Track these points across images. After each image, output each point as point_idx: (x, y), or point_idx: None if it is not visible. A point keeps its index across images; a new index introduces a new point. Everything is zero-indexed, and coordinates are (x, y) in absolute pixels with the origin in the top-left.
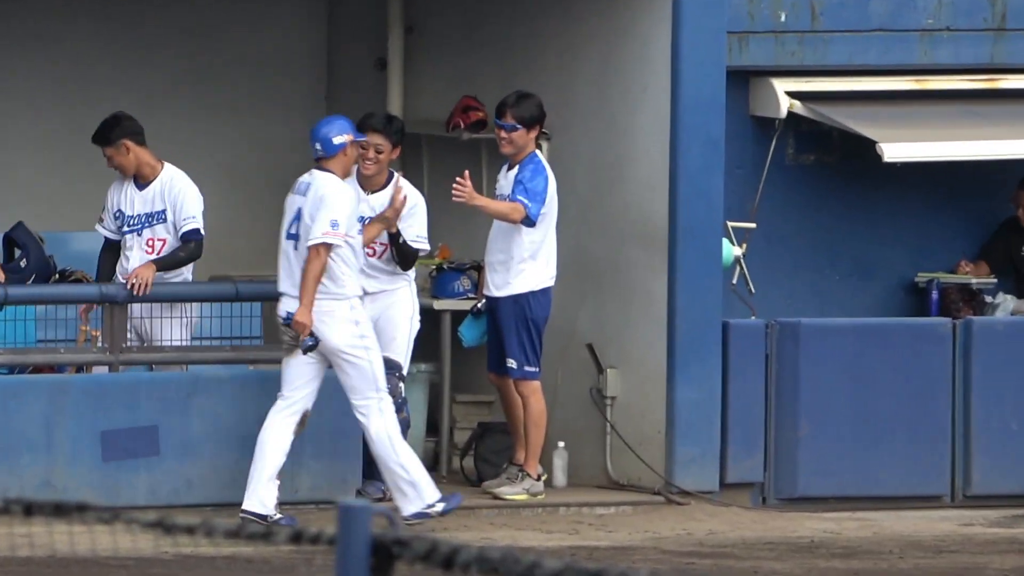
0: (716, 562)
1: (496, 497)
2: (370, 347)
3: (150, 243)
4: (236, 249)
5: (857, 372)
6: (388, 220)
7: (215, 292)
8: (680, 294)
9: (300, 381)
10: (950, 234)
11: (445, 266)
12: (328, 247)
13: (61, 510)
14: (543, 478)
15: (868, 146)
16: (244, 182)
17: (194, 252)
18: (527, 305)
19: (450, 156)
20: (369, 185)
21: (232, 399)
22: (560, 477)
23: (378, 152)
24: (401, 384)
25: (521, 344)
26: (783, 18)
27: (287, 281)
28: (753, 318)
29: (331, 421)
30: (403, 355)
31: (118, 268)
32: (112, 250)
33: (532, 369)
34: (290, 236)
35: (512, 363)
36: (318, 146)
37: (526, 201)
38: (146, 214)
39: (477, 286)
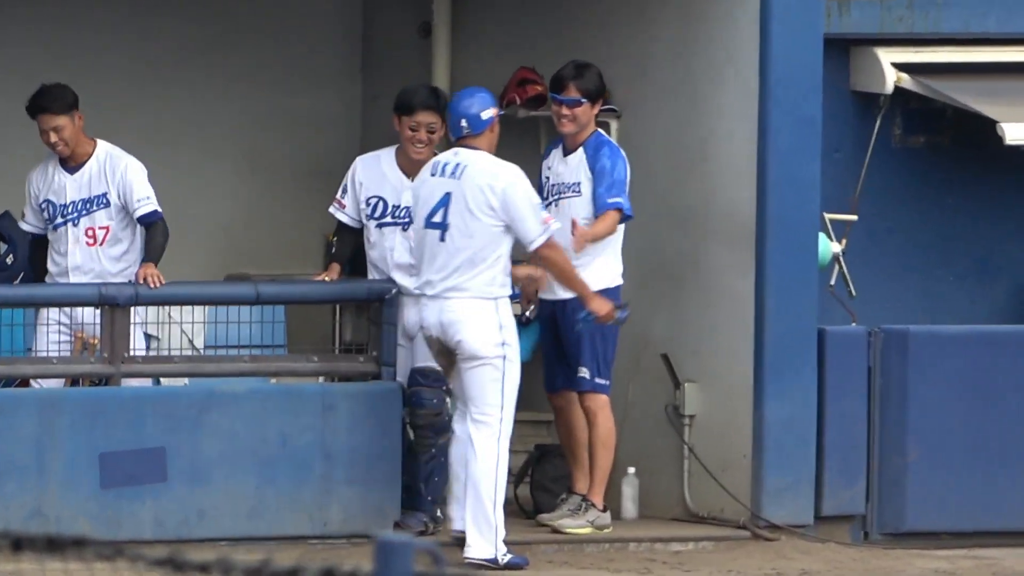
0: None
1: (556, 531)
2: (509, 356)
3: (90, 233)
4: (256, 244)
5: (974, 387)
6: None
7: (232, 294)
8: (770, 297)
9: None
10: None
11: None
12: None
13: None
14: (607, 510)
15: (987, 126)
16: (265, 166)
17: (166, 237)
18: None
19: (504, 136)
20: (412, 170)
21: (251, 417)
22: (630, 508)
23: (430, 132)
24: (448, 400)
25: (594, 351)
26: None
27: (423, 277)
28: (854, 325)
29: (366, 443)
30: None
31: (52, 267)
32: (41, 247)
33: (604, 381)
34: (433, 225)
35: (585, 372)
36: (464, 123)
37: (620, 200)
38: (83, 200)
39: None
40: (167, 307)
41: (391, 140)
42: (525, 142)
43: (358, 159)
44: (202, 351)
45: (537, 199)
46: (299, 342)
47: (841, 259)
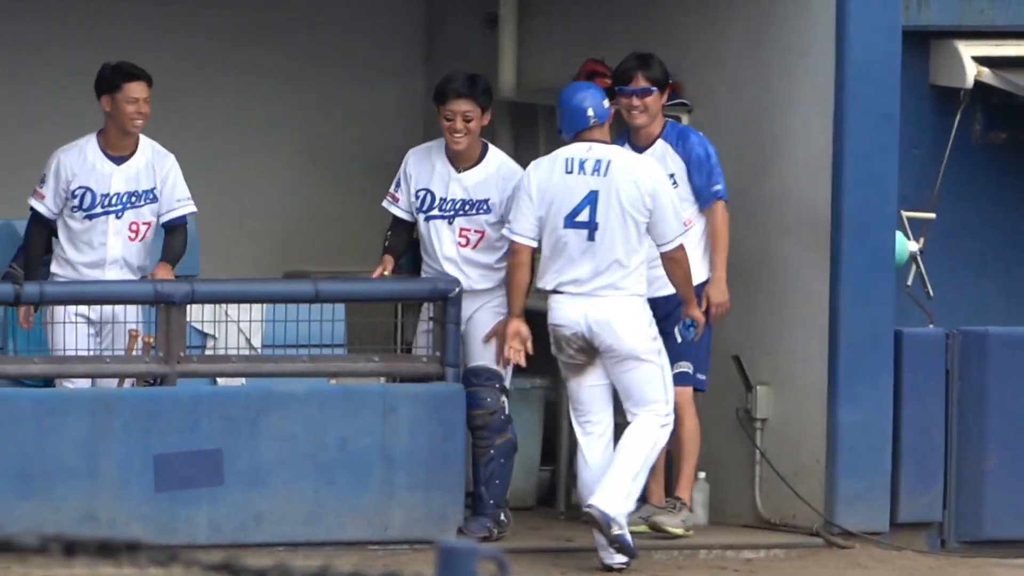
0: None
1: (657, 528)
2: (662, 350)
3: (133, 227)
4: (315, 240)
5: None
6: None
7: (290, 291)
8: (845, 297)
9: (603, 401)
10: None
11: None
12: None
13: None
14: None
15: None
16: (325, 161)
17: (187, 242)
18: (698, 299)
19: None
20: (459, 161)
21: (309, 418)
22: (700, 514)
23: (467, 120)
24: (503, 399)
25: (696, 345)
26: None
27: (565, 276)
28: (931, 326)
29: (428, 446)
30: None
31: (75, 256)
32: (46, 232)
33: (703, 377)
34: (578, 224)
35: (687, 367)
36: (591, 112)
37: (720, 188)
38: (129, 193)
39: None
40: (224, 305)
41: None
42: None
43: (410, 151)
44: (260, 350)
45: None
46: (359, 342)
47: (919, 258)
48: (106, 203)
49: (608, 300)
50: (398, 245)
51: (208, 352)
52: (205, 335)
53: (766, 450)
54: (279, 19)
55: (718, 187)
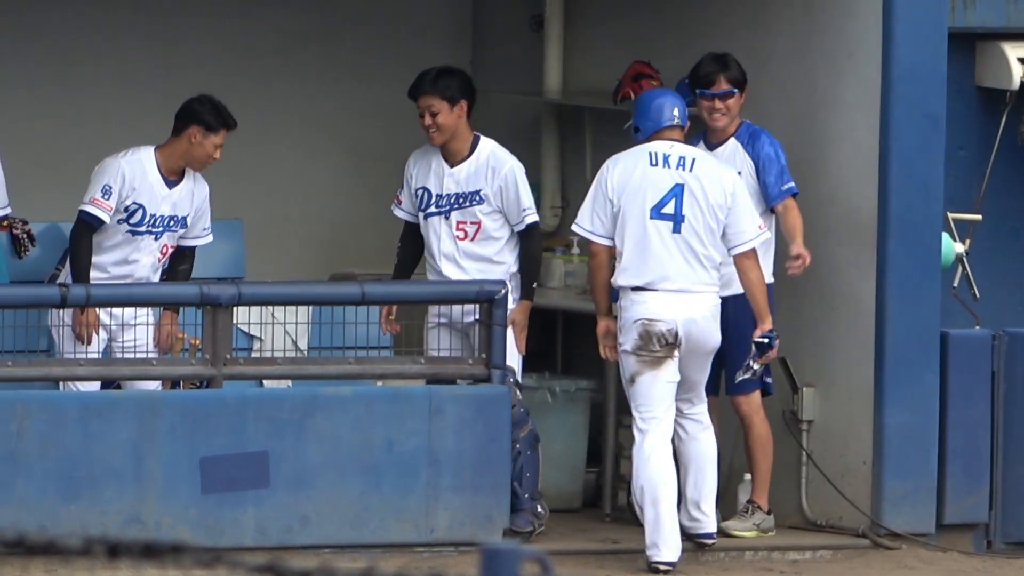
0: None
1: (724, 533)
2: None
3: (164, 250)
4: (360, 242)
5: None
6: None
7: (337, 294)
8: (891, 299)
9: (671, 398)
10: None
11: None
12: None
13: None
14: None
15: None
16: (370, 163)
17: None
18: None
19: (618, 132)
20: (450, 157)
21: (355, 421)
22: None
23: (433, 115)
24: (519, 392)
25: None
26: None
27: (654, 271)
28: (978, 328)
29: (474, 448)
30: (512, 357)
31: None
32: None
33: (770, 379)
34: (664, 216)
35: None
36: (675, 112)
37: (792, 184)
38: (171, 216)
39: None
40: (270, 307)
41: (500, 134)
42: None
43: (413, 153)
44: (306, 353)
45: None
46: (406, 343)
47: (965, 260)
48: (152, 223)
49: (701, 297)
50: (407, 256)
51: (254, 354)
52: (251, 337)
53: (812, 452)
54: (328, 23)
55: (790, 184)
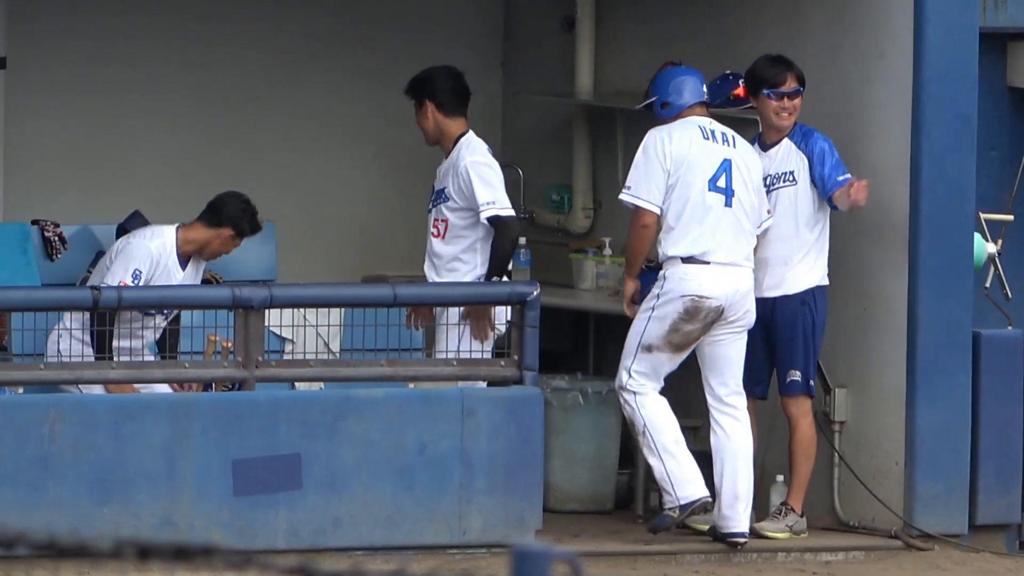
0: None
1: (757, 534)
2: None
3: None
4: (391, 244)
5: None
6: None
7: (369, 296)
8: (923, 299)
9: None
10: None
11: (643, 266)
12: None
13: (183, 554)
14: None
15: None
16: (403, 164)
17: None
18: (814, 304)
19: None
20: (443, 157)
21: (388, 423)
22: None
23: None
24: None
25: (807, 353)
26: None
27: (710, 242)
28: (1010, 328)
29: (506, 450)
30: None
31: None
32: None
33: (813, 383)
34: (719, 189)
35: (797, 375)
36: (705, 89)
37: (848, 176)
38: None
39: None
40: (302, 309)
41: (532, 136)
42: None
43: None
44: (338, 355)
45: None
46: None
47: (997, 260)
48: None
49: (745, 271)
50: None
51: (287, 356)
52: (283, 340)
53: (844, 452)
54: (360, 26)
55: (847, 175)
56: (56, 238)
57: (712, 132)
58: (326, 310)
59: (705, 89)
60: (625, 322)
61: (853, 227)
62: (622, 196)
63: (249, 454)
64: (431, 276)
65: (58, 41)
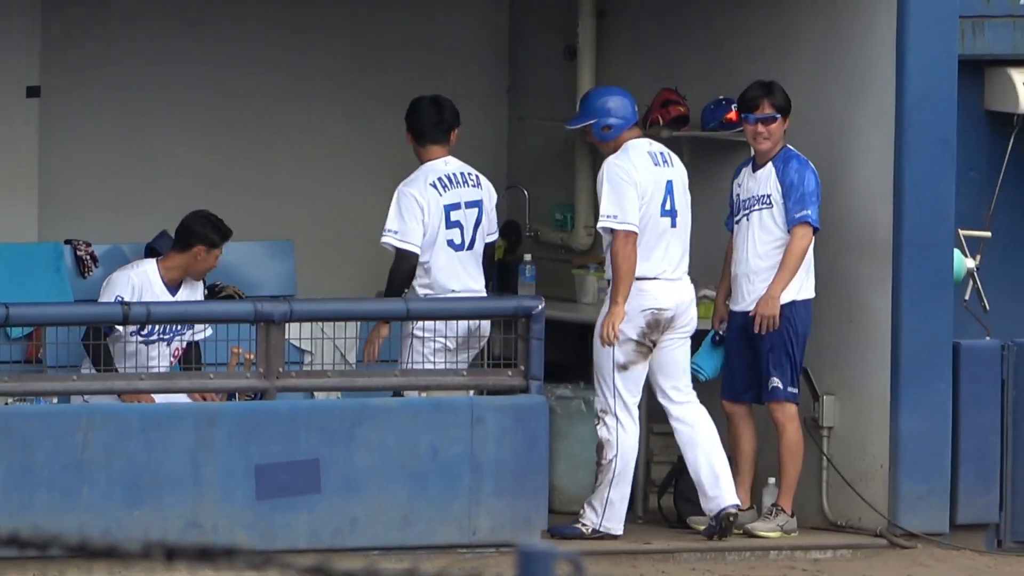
0: None
1: (750, 534)
2: None
3: (176, 352)
4: None
5: None
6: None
7: (383, 310)
8: (906, 312)
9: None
10: None
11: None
12: None
13: (208, 555)
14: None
15: None
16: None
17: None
18: (794, 317)
19: None
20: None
21: (402, 430)
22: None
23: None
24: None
25: (789, 361)
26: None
27: (664, 263)
28: (988, 339)
29: (513, 455)
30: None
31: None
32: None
33: (795, 390)
34: (667, 212)
35: (777, 382)
36: (635, 110)
37: (807, 213)
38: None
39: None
40: (320, 323)
41: (536, 158)
42: None
43: None
44: (354, 366)
45: None
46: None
47: (975, 274)
48: (162, 331)
49: (688, 283)
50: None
51: (306, 368)
52: (303, 351)
53: (832, 456)
54: (375, 53)
55: (803, 212)
56: (88, 256)
57: (657, 155)
58: (343, 323)
59: (635, 108)
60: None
61: (840, 244)
62: (608, 224)
63: (270, 460)
64: None
65: (88, 70)
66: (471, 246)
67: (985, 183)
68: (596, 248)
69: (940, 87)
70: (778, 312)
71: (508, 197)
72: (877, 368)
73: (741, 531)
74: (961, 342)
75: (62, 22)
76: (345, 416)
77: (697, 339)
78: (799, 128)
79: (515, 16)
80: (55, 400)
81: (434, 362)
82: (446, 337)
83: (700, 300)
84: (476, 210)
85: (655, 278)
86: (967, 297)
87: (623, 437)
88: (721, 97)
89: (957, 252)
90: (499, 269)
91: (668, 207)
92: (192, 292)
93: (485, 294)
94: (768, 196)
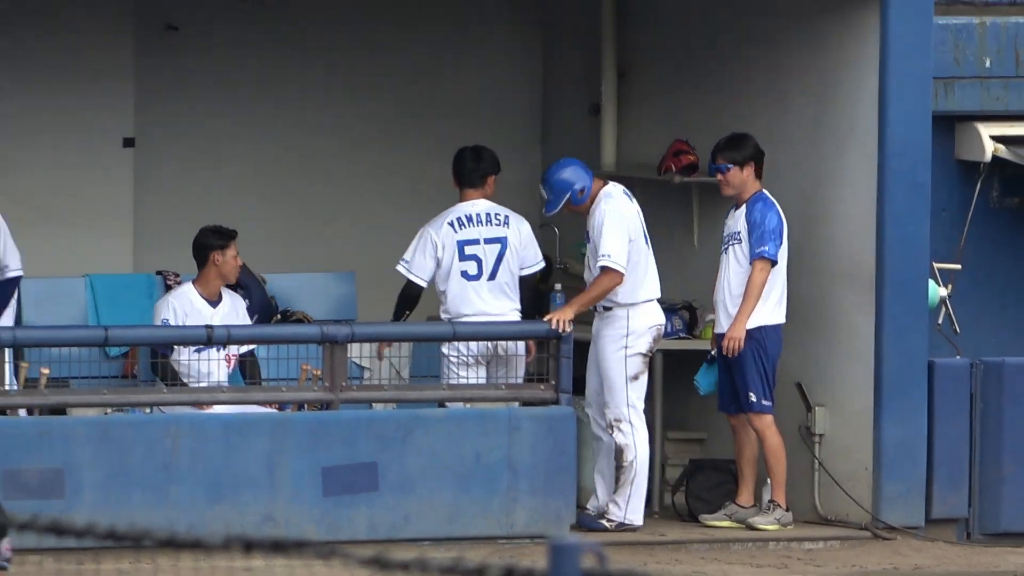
0: None
1: (751, 527)
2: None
3: (228, 359)
4: None
5: None
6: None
7: (432, 332)
8: (887, 334)
9: None
10: None
11: None
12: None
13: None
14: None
15: None
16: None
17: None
18: (763, 339)
19: (662, 199)
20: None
21: (448, 436)
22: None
23: None
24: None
25: (758, 377)
26: (988, 64)
27: (657, 286)
28: (958, 358)
29: (546, 459)
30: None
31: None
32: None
33: (768, 403)
34: (645, 239)
35: (752, 396)
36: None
37: (766, 249)
38: None
39: (689, 326)
40: (378, 343)
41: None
42: (681, 204)
43: None
44: (408, 380)
45: None
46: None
47: (947, 301)
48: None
49: None
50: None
51: (365, 382)
52: (362, 368)
53: (823, 460)
54: (427, 106)
55: (760, 248)
56: (176, 285)
57: (627, 192)
58: (398, 344)
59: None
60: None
61: (829, 274)
62: (608, 264)
63: (335, 462)
64: None
65: (177, 123)
66: (492, 276)
67: (956, 222)
68: None
69: (916, 139)
70: (742, 336)
71: (542, 234)
72: (862, 383)
73: (744, 525)
74: (935, 360)
75: (154, 81)
76: (399, 424)
77: (699, 358)
78: (793, 172)
79: (547, 75)
80: (148, 410)
81: (467, 377)
82: (467, 355)
83: (705, 323)
84: (498, 246)
85: (653, 299)
86: (940, 321)
87: (639, 439)
88: None
89: (931, 282)
90: (534, 296)
91: (646, 236)
92: (232, 300)
93: (512, 318)
94: (739, 233)
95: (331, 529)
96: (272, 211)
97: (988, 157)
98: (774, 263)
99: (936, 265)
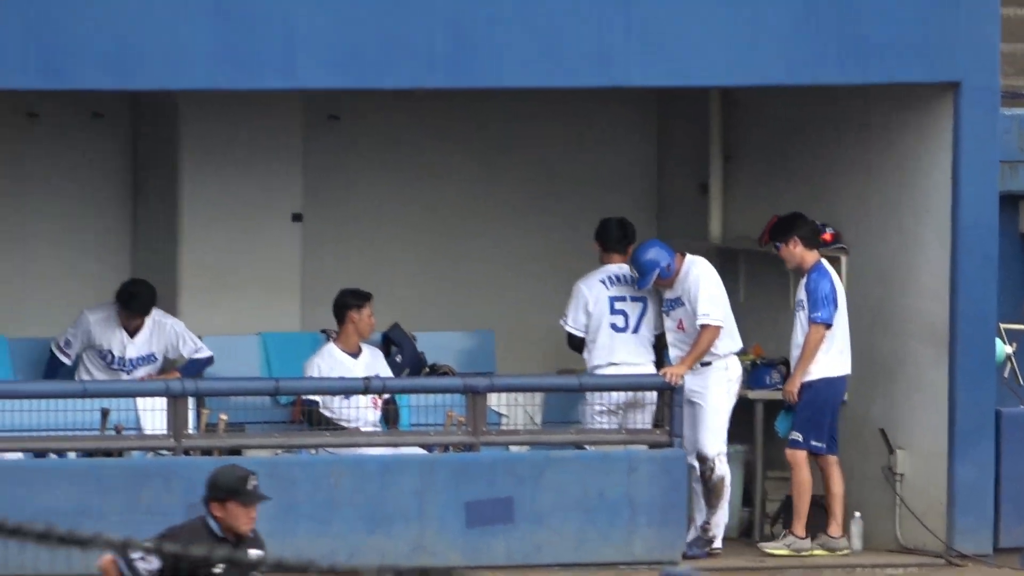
0: None
1: (761, 551)
2: None
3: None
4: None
5: None
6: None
7: (561, 383)
8: (959, 386)
9: None
10: None
11: (758, 362)
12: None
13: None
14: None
15: None
16: None
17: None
18: (821, 388)
19: (763, 268)
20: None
21: (576, 475)
22: (857, 542)
23: None
24: None
25: (809, 421)
26: None
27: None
28: (1022, 407)
29: (661, 496)
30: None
31: None
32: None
33: (817, 444)
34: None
35: (797, 435)
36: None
37: (819, 314)
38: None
39: (785, 379)
40: (514, 393)
41: None
42: (778, 272)
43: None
44: (540, 426)
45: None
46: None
47: (1012, 358)
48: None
49: None
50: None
51: (503, 427)
52: (500, 415)
53: (904, 496)
54: (552, 182)
55: (815, 314)
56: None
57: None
58: (531, 394)
59: None
60: (741, 406)
61: (908, 332)
62: (711, 322)
63: (477, 497)
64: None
65: (339, 200)
66: (636, 330)
67: (1020, 288)
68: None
69: (985, 214)
70: (797, 389)
71: None
72: (938, 429)
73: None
74: (1002, 410)
75: (319, 164)
76: (533, 464)
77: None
78: (877, 243)
79: (662, 159)
80: (315, 451)
81: (601, 422)
82: (609, 403)
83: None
84: (641, 304)
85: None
86: (1006, 375)
87: (727, 470)
88: (819, 223)
89: (998, 340)
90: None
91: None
92: (372, 355)
93: (649, 370)
94: (802, 300)
95: (473, 556)
96: (422, 277)
97: None
98: (828, 326)
99: (1002, 325)
